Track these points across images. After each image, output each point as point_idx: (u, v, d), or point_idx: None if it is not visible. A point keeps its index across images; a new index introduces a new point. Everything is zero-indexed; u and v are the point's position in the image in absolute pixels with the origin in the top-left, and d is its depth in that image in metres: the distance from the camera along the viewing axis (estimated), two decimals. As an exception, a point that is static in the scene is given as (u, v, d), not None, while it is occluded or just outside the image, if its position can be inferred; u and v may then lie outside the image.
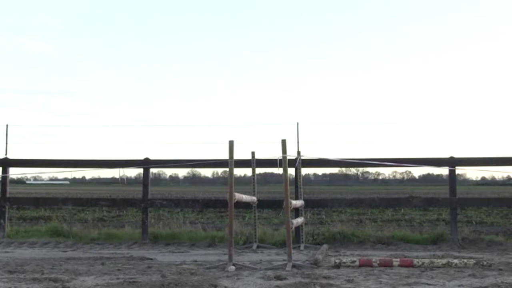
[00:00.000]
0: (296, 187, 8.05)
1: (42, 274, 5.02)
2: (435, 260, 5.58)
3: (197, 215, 14.64)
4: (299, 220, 7.25)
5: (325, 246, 7.09)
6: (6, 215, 8.78)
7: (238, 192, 5.90)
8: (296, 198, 7.86)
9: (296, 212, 7.88)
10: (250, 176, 7.93)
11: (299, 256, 6.52)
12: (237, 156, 5.77)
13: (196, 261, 6.17)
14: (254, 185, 7.79)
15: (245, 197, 6.52)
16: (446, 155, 8.09)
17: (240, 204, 8.66)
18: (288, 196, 5.74)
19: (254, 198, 7.49)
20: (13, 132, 9.46)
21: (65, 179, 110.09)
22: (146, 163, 8.53)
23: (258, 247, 7.58)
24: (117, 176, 8.51)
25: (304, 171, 8.56)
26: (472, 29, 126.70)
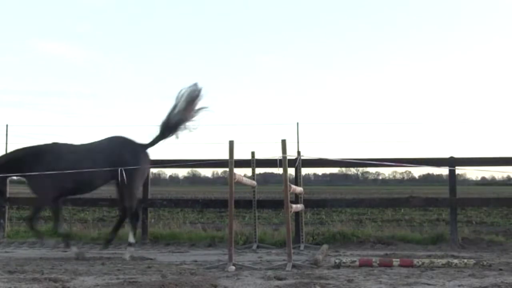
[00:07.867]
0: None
1: (42, 274, 5.02)
2: (435, 260, 5.58)
3: (197, 215, 14.62)
4: (299, 206, 7.24)
5: (325, 246, 7.09)
6: (6, 215, 8.78)
7: (238, 192, 5.90)
8: (296, 198, 7.87)
9: (296, 199, 7.88)
10: (250, 176, 7.92)
11: (299, 256, 6.52)
12: (237, 156, 5.77)
13: (196, 261, 6.17)
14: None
15: (245, 180, 6.51)
16: (446, 155, 8.09)
17: (240, 204, 8.68)
18: (288, 196, 5.74)
19: (254, 182, 7.43)
20: (13, 132, 9.45)
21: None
22: (146, 163, 8.49)
23: (258, 247, 7.58)
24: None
25: (304, 171, 8.57)
26: (472, 29, 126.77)
